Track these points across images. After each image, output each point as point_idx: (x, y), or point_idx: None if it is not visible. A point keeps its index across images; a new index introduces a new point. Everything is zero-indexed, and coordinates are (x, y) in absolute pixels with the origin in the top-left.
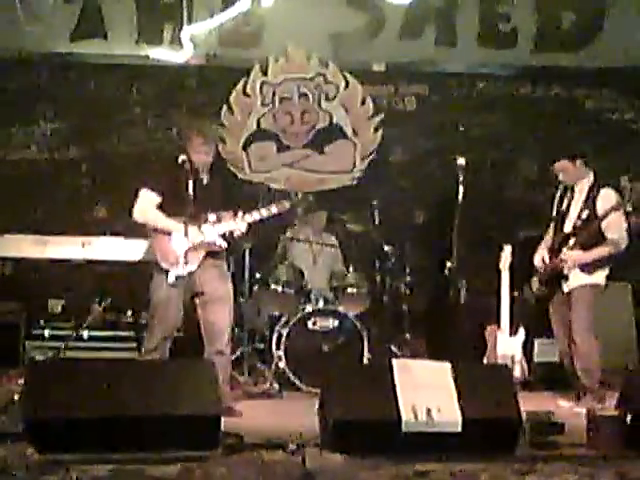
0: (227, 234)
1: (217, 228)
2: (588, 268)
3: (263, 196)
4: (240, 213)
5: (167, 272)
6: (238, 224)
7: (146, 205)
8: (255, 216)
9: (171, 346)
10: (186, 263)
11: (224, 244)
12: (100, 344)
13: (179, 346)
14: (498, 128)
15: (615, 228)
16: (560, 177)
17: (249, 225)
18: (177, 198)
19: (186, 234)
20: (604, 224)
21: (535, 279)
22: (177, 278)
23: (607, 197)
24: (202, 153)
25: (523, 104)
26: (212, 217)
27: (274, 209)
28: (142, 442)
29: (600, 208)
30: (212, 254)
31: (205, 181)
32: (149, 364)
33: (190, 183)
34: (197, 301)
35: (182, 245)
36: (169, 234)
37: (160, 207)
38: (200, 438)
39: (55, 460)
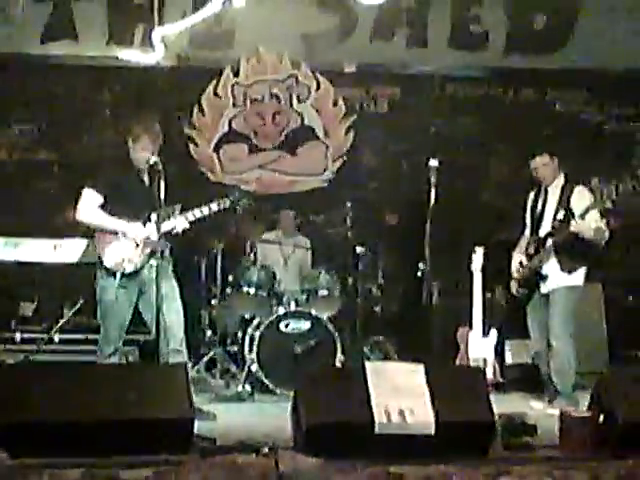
0: (170, 232)
1: (160, 226)
2: (569, 266)
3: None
4: (179, 211)
5: (113, 273)
6: (180, 222)
7: (89, 205)
8: (196, 213)
9: (141, 348)
10: (130, 263)
11: (167, 244)
12: (72, 347)
13: (150, 348)
14: (470, 130)
15: (597, 221)
16: (538, 174)
17: (191, 223)
18: (122, 199)
19: (131, 233)
20: (581, 222)
21: (514, 282)
22: (123, 277)
23: (581, 195)
24: (147, 151)
25: (494, 106)
26: (154, 216)
27: (214, 206)
28: (114, 446)
29: (575, 207)
30: (156, 253)
31: (147, 181)
32: (120, 368)
33: (134, 182)
34: (142, 301)
35: (126, 245)
36: (113, 234)
37: (102, 207)
38: (173, 442)
39: (27, 464)
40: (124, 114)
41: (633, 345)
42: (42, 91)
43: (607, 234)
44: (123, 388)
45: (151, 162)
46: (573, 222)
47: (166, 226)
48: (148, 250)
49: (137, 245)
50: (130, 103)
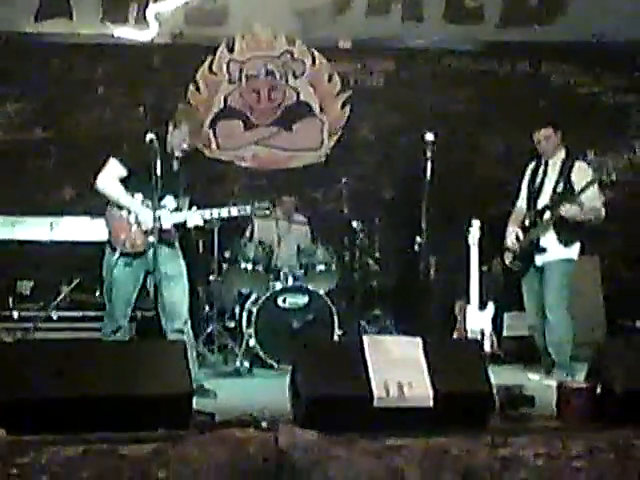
0: (181, 224)
1: (173, 217)
2: (568, 238)
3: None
4: (197, 208)
5: (120, 251)
6: (194, 218)
7: (111, 175)
8: (214, 214)
9: (140, 325)
10: (137, 243)
11: (176, 233)
12: (69, 324)
13: (149, 325)
14: (465, 104)
15: (595, 199)
16: (541, 146)
17: (205, 221)
18: (142, 177)
19: (141, 216)
20: (583, 197)
21: (508, 254)
22: (125, 255)
23: (582, 170)
24: (185, 140)
25: (490, 79)
26: (172, 204)
27: (234, 212)
28: (113, 423)
29: (576, 182)
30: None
31: (175, 167)
32: (119, 344)
33: (158, 164)
34: (150, 280)
35: (135, 226)
36: (125, 211)
37: (123, 182)
38: (171, 417)
39: (26, 441)
40: (119, 92)
41: (631, 315)
42: (37, 69)
43: (603, 213)
44: (122, 364)
45: (146, 139)
46: (567, 206)
47: (177, 218)
48: (154, 238)
49: (145, 232)
50: (125, 80)
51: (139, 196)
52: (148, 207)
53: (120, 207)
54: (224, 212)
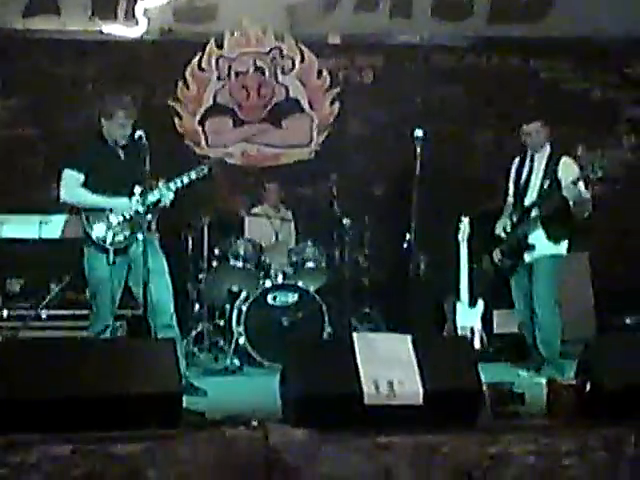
0: (157, 204)
1: (144, 199)
2: (557, 234)
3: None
4: (162, 182)
5: (101, 249)
6: (164, 193)
7: (70, 184)
8: (178, 183)
9: (129, 323)
10: (117, 238)
11: (155, 215)
12: (59, 323)
13: (139, 324)
14: (454, 100)
15: (582, 194)
16: (528, 140)
17: (174, 193)
18: (102, 175)
19: (116, 210)
20: (572, 192)
21: (497, 251)
22: (109, 252)
23: (568, 166)
24: (125, 127)
25: (479, 75)
26: (138, 189)
27: (193, 174)
28: (103, 422)
29: (562, 177)
30: (142, 226)
31: (122, 155)
32: (109, 343)
33: (147, 160)
34: (131, 276)
35: (113, 220)
36: (99, 210)
37: (85, 185)
38: (162, 416)
39: (16, 441)
40: (108, 88)
41: (621, 312)
42: (25, 66)
43: (590, 206)
44: (111, 363)
45: (135, 136)
46: (564, 187)
47: (152, 198)
48: (136, 224)
49: (124, 219)
50: (114, 77)
51: (107, 195)
52: (121, 197)
53: (93, 208)
54: (185, 178)
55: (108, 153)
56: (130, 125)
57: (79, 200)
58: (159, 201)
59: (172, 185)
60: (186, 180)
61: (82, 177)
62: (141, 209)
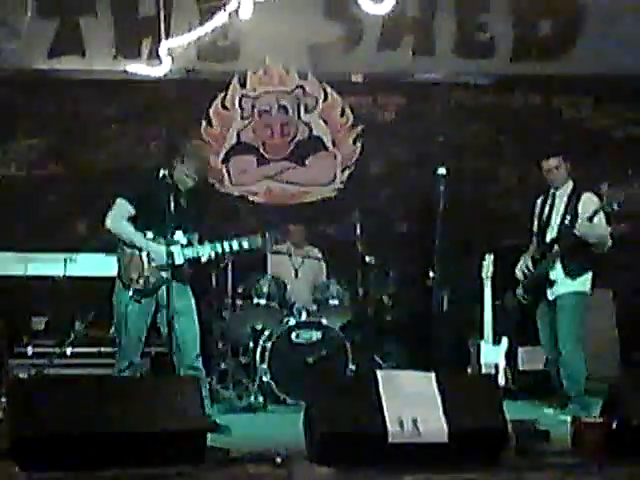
0: (193, 259)
1: (186, 252)
2: (574, 270)
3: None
4: (208, 241)
5: (129, 287)
6: (206, 251)
7: (119, 214)
8: (225, 247)
9: (154, 361)
10: (148, 282)
11: (189, 270)
12: (83, 360)
13: (163, 361)
14: (477, 137)
15: (601, 227)
16: (549, 176)
17: (217, 254)
18: (152, 214)
19: (153, 253)
20: (587, 224)
21: (520, 287)
22: (138, 292)
23: (589, 201)
24: (192, 176)
25: (501, 113)
26: (182, 239)
27: (245, 244)
28: (128, 459)
29: (581, 212)
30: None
31: (182, 202)
32: (133, 380)
33: (170, 200)
34: (160, 316)
35: (147, 264)
36: (137, 249)
37: (133, 220)
38: (186, 453)
39: (41, 478)
40: (132, 128)
41: None
42: (50, 106)
43: (610, 241)
44: (136, 400)
45: (194, 185)
46: (578, 223)
47: (190, 253)
48: (167, 274)
49: (157, 268)
50: (138, 117)
51: (149, 234)
52: (160, 244)
53: (132, 245)
54: (235, 245)
55: (166, 195)
56: (196, 177)
57: (121, 232)
58: (199, 258)
59: (218, 246)
60: (235, 247)
61: (133, 210)
62: (178, 260)
